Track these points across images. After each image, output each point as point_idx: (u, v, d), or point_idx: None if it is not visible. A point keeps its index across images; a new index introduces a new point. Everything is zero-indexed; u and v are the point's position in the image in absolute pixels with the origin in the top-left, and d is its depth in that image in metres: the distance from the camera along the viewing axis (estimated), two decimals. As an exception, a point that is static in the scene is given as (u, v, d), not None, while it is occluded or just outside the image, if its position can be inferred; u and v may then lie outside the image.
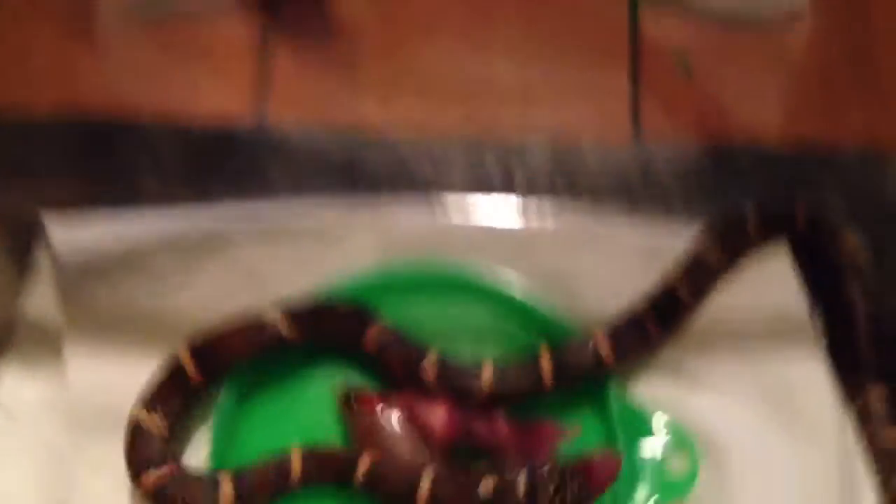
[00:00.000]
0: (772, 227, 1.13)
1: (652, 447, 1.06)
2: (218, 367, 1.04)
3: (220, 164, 1.20)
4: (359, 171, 1.24)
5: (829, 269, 1.16)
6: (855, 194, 1.25)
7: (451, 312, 1.13)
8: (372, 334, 1.07)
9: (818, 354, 1.08)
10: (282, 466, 1.01)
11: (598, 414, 1.09)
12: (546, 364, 1.06)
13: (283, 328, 1.04)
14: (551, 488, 0.96)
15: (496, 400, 1.04)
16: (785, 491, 1.03)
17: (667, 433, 1.05)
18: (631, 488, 1.02)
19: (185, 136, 1.22)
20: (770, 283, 1.11)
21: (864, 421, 1.10)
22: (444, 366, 1.04)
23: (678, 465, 1.03)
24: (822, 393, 1.08)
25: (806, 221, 1.17)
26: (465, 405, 1.05)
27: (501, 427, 1.05)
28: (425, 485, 0.98)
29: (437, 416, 1.05)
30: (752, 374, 1.08)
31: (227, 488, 0.98)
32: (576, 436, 1.04)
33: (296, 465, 1.01)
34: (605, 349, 1.07)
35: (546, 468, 0.97)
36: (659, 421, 1.05)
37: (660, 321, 1.11)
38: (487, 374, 1.05)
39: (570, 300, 1.12)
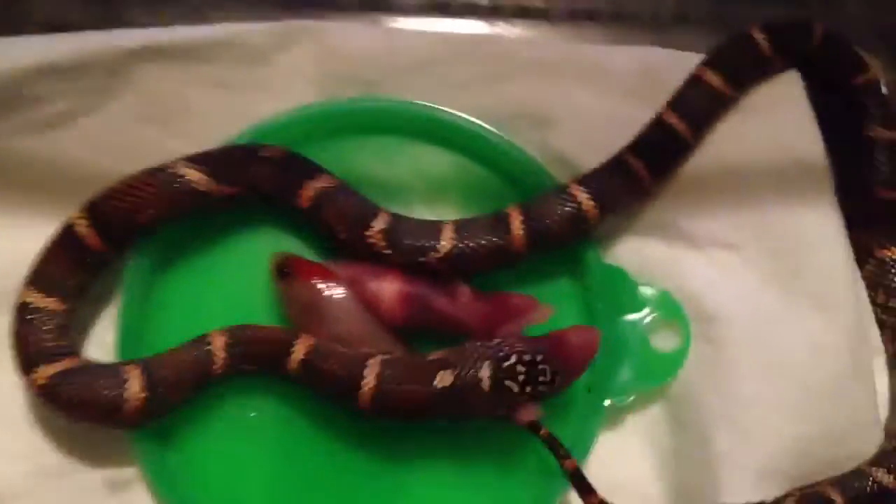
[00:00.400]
0: (783, 48, 0.99)
1: (636, 321, 0.93)
2: (122, 233, 0.89)
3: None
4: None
5: (848, 100, 1.02)
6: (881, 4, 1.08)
7: (405, 161, 0.98)
8: (309, 189, 0.89)
9: (832, 205, 0.97)
10: (201, 353, 0.85)
11: (575, 284, 0.95)
12: (517, 223, 0.90)
13: (199, 181, 0.88)
14: (520, 378, 0.82)
15: (457, 268, 0.90)
16: (789, 367, 0.92)
17: (654, 304, 0.94)
18: (612, 370, 0.92)
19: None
20: (780, 117, 0.98)
21: (879, 284, 0.98)
22: (395, 227, 0.90)
23: (667, 341, 0.93)
24: (834, 252, 0.95)
25: (823, 41, 1.00)
26: (421, 275, 0.90)
27: (464, 300, 0.90)
28: (371, 375, 0.83)
29: (388, 288, 0.89)
30: (754, 230, 0.96)
31: (134, 384, 0.82)
32: (549, 312, 0.89)
33: (217, 350, 0.85)
34: (586, 201, 0.91)
35: (513, 353, 0.83)
36: (645, 290, 0.94)
37: (652, 163, 0.94)
38: (447, 237, 0.89)
39: (546, 144, 0.98)
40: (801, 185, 0.96)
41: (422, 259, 0.89)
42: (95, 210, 0.87)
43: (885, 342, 0.97)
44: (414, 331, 0.90)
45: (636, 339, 0.92)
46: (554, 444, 0.85)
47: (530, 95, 0.98)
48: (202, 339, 0.86)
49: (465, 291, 0.90)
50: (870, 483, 0.89)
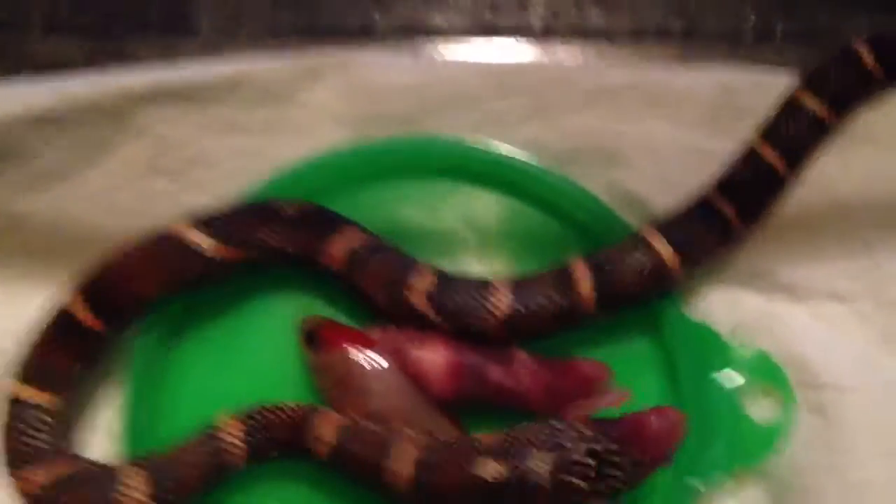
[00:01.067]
0: (893, 64, 0.85)
1: (729, 387, 0.81)
2: (123, 311, 0.79)
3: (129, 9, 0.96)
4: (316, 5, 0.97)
5: None
6: None
7: (451, 207, 0.87)
8: (337, 247, 0.79)
9: None
10: (214, 447, 0.73)
11: (654, 344, 0.83)
12: (584, 279, 0.78)
13: (207, 246, 0.78)
14: (589, 474, 0.69)
15: (516, 334, 0.79)
16: None
17: (749, 367, 0.82)
18: (701, 445, 0.79)
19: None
20: (894, 144, 0.85)
21: None
22: (441, 286, 0.79)
23: (766, 412, 0.81)
24: (965, 301, 0.81)
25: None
26: (473, 341, 0.78)
27: (523, 369, 0.78)
28: (407, 460, 0.71)
29: (435, 358, 0.78)
30: (869, 278, 0.84)
31: (136, 492, 0.71)
32: (625, 397, 0.76)
33: (234, 441, 0.73)
34: (666, 252, 0.79)
35: (581, 441, 0.70)
36: (739, 351, 0.82)
37: (742, 205, 0.82)
38: (504, 298, 0.78)
39: (614, 183, 0.87)
40: (922, 226, 0.83)
41: (475, 325, 0.78)
42: (91, 288, 0.78)
43: None
44: (465, 405, 0.79)
45: (729, 408, 0.80)
46: None
47: (593, 128, 0.87)
48: (214, 430, 0.74)
49: (522, 358, 0.79)
50: None
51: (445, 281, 0.79)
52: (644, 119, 0.86)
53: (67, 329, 0.78)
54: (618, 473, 0.70)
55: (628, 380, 0.78)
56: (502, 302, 0.78)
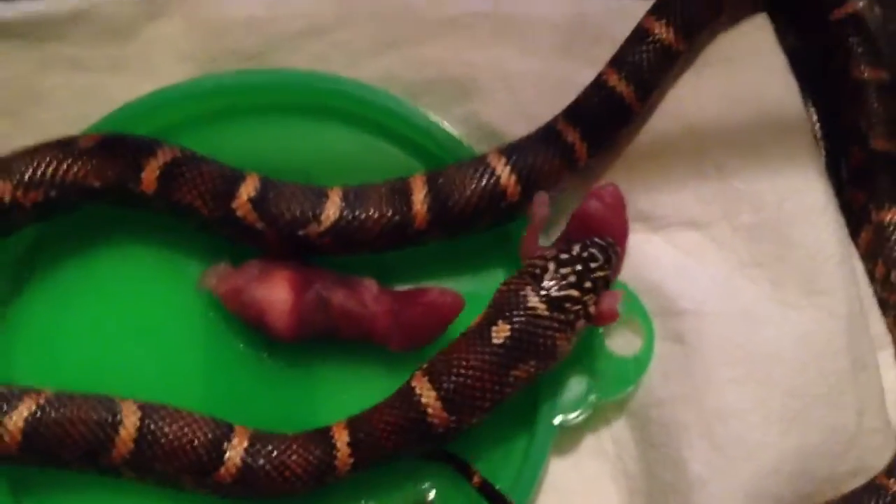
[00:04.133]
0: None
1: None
2: None
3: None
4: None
5: (827, 40, 0.88)
6: None
7: (302, 142, 0.84)
8: (151, 168, 0.74)
9: (816, 167, 0.82)
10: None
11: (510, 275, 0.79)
12: (417, 192, 0.76)
13: (10, 195, 0.74)
14: (572, 280, 0.71)
15: (344, 242, 0.76)
16: (775, 368, 0.77)
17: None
18: (560, 380, 0.77)
19: None
20: (749, 67, 0.85)
21: (878, 254, 0.83)
22: (266, 192, 0.75)
23: (626, 343, 0.80)
24: (822, 223, 0.80)
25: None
26: (301, 250, 0.76)
27: (369, 293, 0.75)
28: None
29: (278, 295, 0.74)
30: (724, 203, 0.82)
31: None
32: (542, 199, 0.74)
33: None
34: (506, 174, 0.77)
35: (546, 263, 0.71)
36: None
37: (589, 132, 0.79)
38: (333, 205, 0.75)
39: (471, 116, 0.85)
40: (777, 147, 0.82)
41: (301, 232, 0.74)
42: None
43: (889, 326, 0.82)
44: (313, 339, 0.76)
45: (588, 341, 0.77)
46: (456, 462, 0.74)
47: (447, 59, 0.84)
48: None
49: (368, 284, 0.76)
50: (889, 499, 0.75)
51: (271, 186, 0.75)
52: (497, 48, 0.84)
53: None
54: (598, 263, 0.71)
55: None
56: (330, 209, 0.75)
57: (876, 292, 0.83)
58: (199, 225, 0.76)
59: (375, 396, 0.72)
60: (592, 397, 0.77)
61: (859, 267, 0.83)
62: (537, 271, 0.71)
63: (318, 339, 0.76)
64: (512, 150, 0.78)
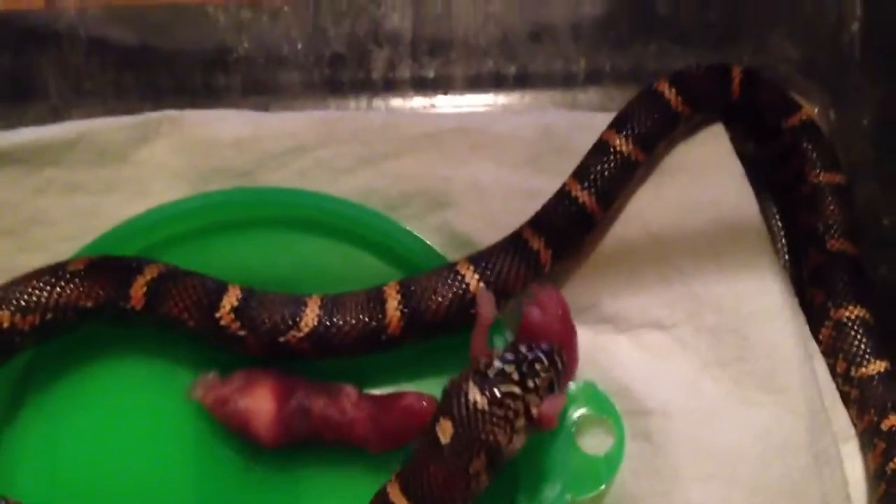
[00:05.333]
0: (697, 100, 0.88)
1: (560, 421, 0.78)
2: None
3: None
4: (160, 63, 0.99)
5: (782, 146, 0.91)
6: (807, 38, 0.98)
7: (287, 256, 0.88)
8: (138, 285, 0.78)
9: (773, 269, 0.85)
10: None
11: None
12: (393, 301, 0.79)
13: (9, 321, 0.77)
14: (515, 378, 0.71)
15: (322, 348, 0.79)
16: (739, 465, 0.79)
17: (579, 399, 0.81)
18: (535, 481, 0.78)
19: None
20: (707, 175, 0.88)
21: (839, 350, 0.86)
22: (247, 301, 0.79)
23: (598, 443, 0.81)
24: (781, 323, 0.83)
25: (743, 87, 0.90)
26: (281, 356, 0.79)
27: (348, 399, 0.78)
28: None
29: (262, 405, 0.77)
30: (687, 305, 0.84)
31: None
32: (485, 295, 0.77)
33: None
34: (472, 281, 0.80)
35: (490, 360, 0.72)
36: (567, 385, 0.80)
37: (551, 239, 0.82)
38: (310, 311, 0.78)
39: (446, 226, 0.89)
40: (735, 250, 0.85)
41: (281, 339, 0.78)
42: None
43: (852, 419, 0.84)
44: (295, 446, 0.79)
45: (561, 441, 0.79)
46: None
47: (423, 173, 0.88)
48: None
49: (348, 391, 0.79)
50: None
51: (253, 296, 0.79)
52: (471, 162, 0.88)
53: None
54: (543, 365, 0.72)
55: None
56: (308, 316, 0.78)
57: (838, 386, 0.84)
58: (186, 335, 0.79)
59: (359, 497, 0.74)
60: (568, 496, 0.78)
61: (821, 363, 0.84)
62: (482, 368, 0.72)
63: (301, 444, 0.78)
64: (480, 259, 0.81)
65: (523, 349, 0.73)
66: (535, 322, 0.75)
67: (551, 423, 0.72)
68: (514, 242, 0.82)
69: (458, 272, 0.80)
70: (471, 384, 0.71)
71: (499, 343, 0.79)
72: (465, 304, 0.79)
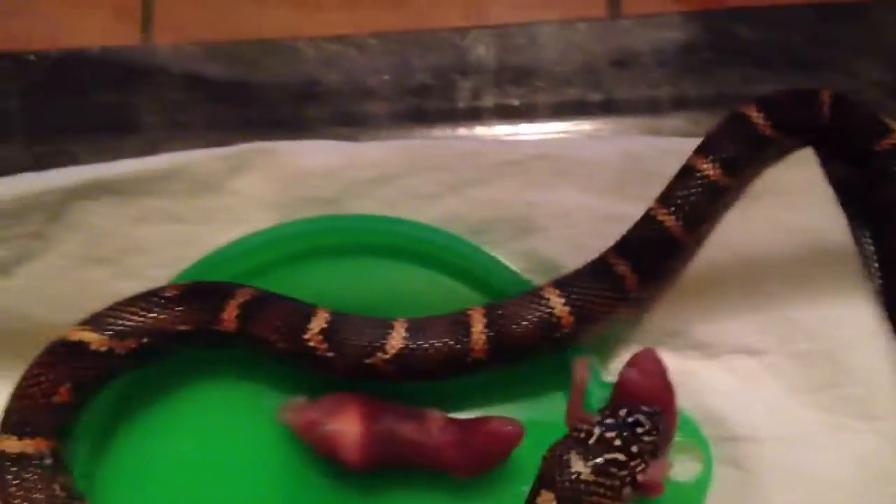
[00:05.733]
0: (786, 125, 0.87)
1: None
2: (48, 426, 0.79)
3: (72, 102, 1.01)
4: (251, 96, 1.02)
5: (874, 170, 0.88)
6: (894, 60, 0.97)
7: (375, 281, 0.89)
8: (229, 308, 0.80)
9: (866, 294, 0.84)
10: None
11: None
12: (478, 325, 0.79)
13: (99, 344, 0.79)
14: (617, 444, 0.70)
15: (407, 371, 0.79)
16: (834, 492, 0.78)
17: None
18: None
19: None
20: (797, 201, 0.87)
21: None
22: (337, 326, 0.80)
23: (686, 469, 0.80)
24: (875, 349, 0.81)
25: (833, 111, 0.88)
26: (366, 378, 0.80)
27: (435, 424, 0.79)
28: None
29: (349, 428, 0.78)
30: (779, 332, 0.83)
31: None
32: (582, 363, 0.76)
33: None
34: (559, 306, 0.80)
35: (591, 427, 0.71)
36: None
37: (639, 265, 0.82)
38: (396, 334, 0.79)
39: (532, 252, 0.88)
40: (827, 276, 0.83)
41: (367, 361, 0.79)
42: (13, 416, 0.78)
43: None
44: (383, 469, 0.79)
45: None
46: None
47: (508, 199, 0.89)
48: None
49: (435, 416, 0.79)
50: None
51: (341, 319, 0.80)
52: (556, 188, 0.88)
53: (9, 463, 0.76)
54: (644, 428, 0.70)
55: (546, 441, 0.75)
56: (394, 339, 0.79)
57: (933, 414, 0.82)
58: (275, 357, 0.81)
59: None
60: (655, 523, 0.78)
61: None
62: (582, 435, 0.70)
63: (388, 468, 0.79)
64: (565, 283, 0.81)
65: (622, 413, 0.71)
66: (634, 384, 0.73)
67: (658, 490, 0.70)
68: (600, 267, 0.82)
69: (543, 296, 0.80)
70: (573, 454, 0.70)
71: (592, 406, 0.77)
72: (551, 329, 0.79)
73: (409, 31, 1.02)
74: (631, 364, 0.75)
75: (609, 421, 0.71)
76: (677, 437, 0.79)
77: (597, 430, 0.70)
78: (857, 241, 0.86)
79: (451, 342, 0.79)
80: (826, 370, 0.81)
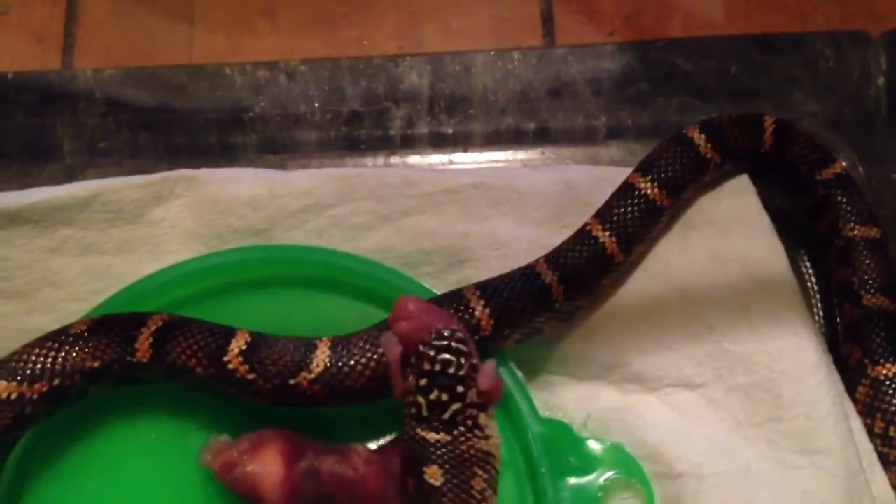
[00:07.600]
0: (727, 148, 0.86)
1: (587, 484, 0.77)
2: None
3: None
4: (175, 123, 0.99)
5: (815, 199, 0.88)
6: (830, 92, 0.97)
7: (304, 314, 0.85)
8: (143, 338, 0.76)
9: (806, 325, 0.82)
10: None
11: (509, 443, 0.79)
12: None
13: (7, 392, 0.74)
14: (437, 381, 0.69)
15: (333, 392, 0.76)
16: None
17: (607, 462, 0.79)
18: None
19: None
20: (731, 231, 0.85)
21: (876, 410, 0.82)
22: (256, 345, 0.76)
23: None
24: (816, 381, 0.80)
25: (775, 138, 0.87)
26: (293, 401, 0.76)
27: (358, 456, 0.75)
28: None
29: (270, 469, 0.74)
30: (718, 364, 0.82)
31: None
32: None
33: None
34: (480, 310, 0.78)
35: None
36: (594, 446, 0.79)
37: (565, 275, 0.80)
38: (320, 353, 0.76)
39: (465, 283, 0.84)
40: (767, 306, 0.82)
41: (292, 381, 0.75)
42: None
43: (891, 482, 0.80)
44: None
45: None
46: None
47: (442, 229, 0.86)
48: None
49: (358, 449, 0.76)
50: None
51: (261, 339, 0.76)
52: (490, 217, 0.86)
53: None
54: (450, 367, 0.69)
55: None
56: (319, 358, 0.75)
57: (876, 448, 0.80)
58: (195, 385, 0.77)
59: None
60: (594, 563, 0.75)
61: (858, 423, 0.81)
62: (414, 410, 0.70)
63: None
64: (487, 286, 0.79)
65: (426, 368, 0.70)
66: (408, 334, 0.71)
67: (498, 391, 0.70)
68: (526, 274, 0.80)
69: (465, 300, 0.78)
70: (419, 430, 0.70)
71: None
72: (470, 331, 0.75)
73: (340, 57, 1.00)
74: (393, 321, 0.72)
75: (423, 382, 0.70)
76: (618, 475, 0.77)
77: (421, 400, 0.70)
78: (797, 270, 0.85)
79: (376, 358, 0.76)
80: (766, 404, 0.79)
